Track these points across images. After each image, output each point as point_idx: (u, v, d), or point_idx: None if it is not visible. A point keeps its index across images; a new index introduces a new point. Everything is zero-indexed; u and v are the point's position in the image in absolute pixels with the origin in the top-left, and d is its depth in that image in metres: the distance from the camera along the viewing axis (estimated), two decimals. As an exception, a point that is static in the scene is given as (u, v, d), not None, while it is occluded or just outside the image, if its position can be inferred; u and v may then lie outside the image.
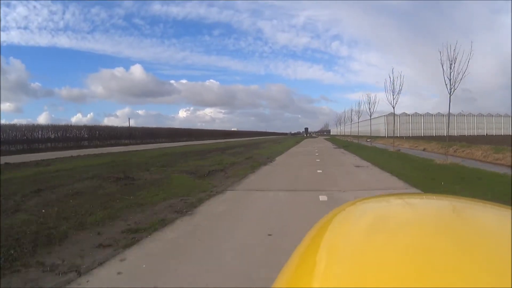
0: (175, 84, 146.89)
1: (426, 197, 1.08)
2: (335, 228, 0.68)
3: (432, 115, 54.79)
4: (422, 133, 53.28)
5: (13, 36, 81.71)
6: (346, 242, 0.58)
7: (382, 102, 55.10)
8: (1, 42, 70.91)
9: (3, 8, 68.99)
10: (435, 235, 0.55)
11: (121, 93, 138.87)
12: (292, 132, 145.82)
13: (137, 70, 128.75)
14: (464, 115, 53.42)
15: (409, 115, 53.43)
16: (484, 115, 53.77)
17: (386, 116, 52.79)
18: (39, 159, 11.66)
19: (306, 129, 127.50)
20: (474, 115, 54.21)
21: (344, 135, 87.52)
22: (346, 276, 0.44)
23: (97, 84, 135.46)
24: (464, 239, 0.53)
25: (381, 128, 54.90)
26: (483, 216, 0.70)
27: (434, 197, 0.97)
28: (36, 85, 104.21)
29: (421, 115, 54.32)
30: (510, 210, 0.64)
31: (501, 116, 53.06)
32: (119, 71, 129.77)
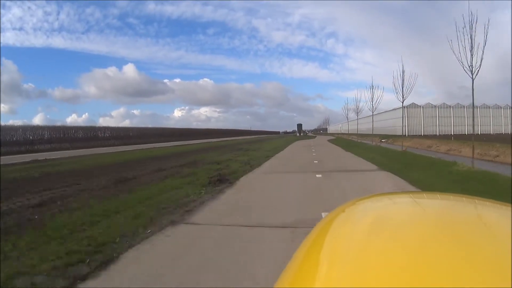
0: (168, 83, 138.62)
1: (426, 195, 1.02)
2: (337, 228, 0.67)
3: (463, 106, 42.13)
4: (451, 130, 40.64)
5: (8, 37, 78.98)
6: (348, 242, 0.57)
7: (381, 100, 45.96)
8: (0, 42, 66.45)
9: (-1, 9, 61.09)
10: (436, 234, 0.55)
11: (114, 93, 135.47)
12: (288, 130, 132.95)
13: (129, 70, 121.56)
14: (464, 107, 40.91)
15: (435, 106, 40.61)
16: (490, 107, 41.04)
17: (406, 108, 40.00)
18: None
19: (299, 126, 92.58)
20: (477, 107, 41.38)
21: (341, 133, 75.73)
22: (349, 277, 0.44)
23: (90, 84, 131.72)
24: (465, 237, 0.53)
25: (397, 123, 42.14)
26: (484, 214, 0.69)
27: (434, 195, 0.96)
28: (29, 86, 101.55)
29: (450, 106, 41.52)
30: (510, 208, 0.64)
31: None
32: (111, 70, 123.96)
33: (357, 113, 32.91)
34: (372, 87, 23.77)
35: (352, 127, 79.12)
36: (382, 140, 36.72)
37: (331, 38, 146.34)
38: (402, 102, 16.77)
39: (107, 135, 32.93)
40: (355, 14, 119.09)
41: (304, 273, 0.49)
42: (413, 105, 39.97)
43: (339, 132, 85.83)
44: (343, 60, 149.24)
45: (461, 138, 25.88)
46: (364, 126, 64.88)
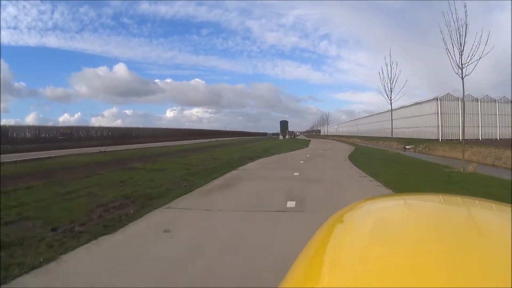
0: (159, 84, 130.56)
1: (425, 197, 1.01)
2: (340, 230, 0.68)
3: (508, 101, 30.98)
4: (497, 131, 29.50)
5: (3, 36, 73.06)
6: (352, 243, 0.58)
7: (372, 102, 34.49)
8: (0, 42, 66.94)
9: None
10: (438, 236, 0.55)
11: (106, 93, 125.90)
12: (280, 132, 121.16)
13: (120, 69, 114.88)
14: (510, 101, 30.06)
15: (477, 99, 29.18)
16: (496, 100, 30.72)
17: (439, 99, 28.47)
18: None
19: (284, 123, 61.31)
20: (477, 100, 30.68)
21: (338, 135, 64.56)
22: (353, 278, 0.45)
23: (81, 84, 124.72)
24: (465, 238, 0.54)
25: (422, 123, 30.69)
26: (484, 214, 0.70)
27: (433, 197, 0.96)
28: (20, 84, 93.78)
29: (495, 100, 30.28)
30: (509, 208, 0.65)
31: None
32: (102, 70, 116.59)
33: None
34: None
35: (350, 129, 68.16)
36: (407, 147, 25.40)
37: (324, 40, 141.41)
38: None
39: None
40: (350, 15, 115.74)
41: (309, 274, 0.50)
42: (448, 97, 28.46)
43: (335, 134, 74.70)
44: (336, 61, 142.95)
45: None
46: (365, 128, 53.44)
